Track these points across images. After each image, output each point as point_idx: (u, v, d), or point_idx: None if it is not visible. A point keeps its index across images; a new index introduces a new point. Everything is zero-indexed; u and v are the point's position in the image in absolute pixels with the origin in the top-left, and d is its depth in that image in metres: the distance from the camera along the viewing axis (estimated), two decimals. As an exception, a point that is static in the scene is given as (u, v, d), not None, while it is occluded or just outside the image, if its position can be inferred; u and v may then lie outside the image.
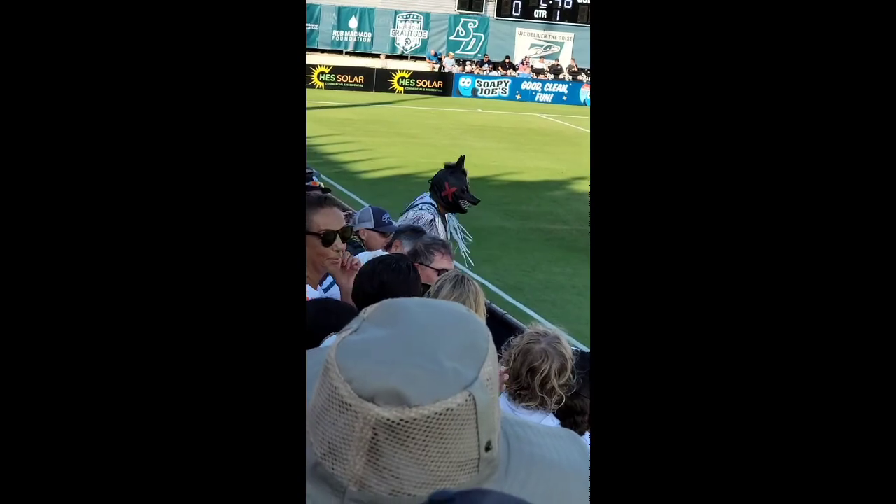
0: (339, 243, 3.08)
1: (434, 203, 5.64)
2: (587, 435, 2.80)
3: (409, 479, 0.88)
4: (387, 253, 4.03)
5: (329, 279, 3.65)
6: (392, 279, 2.47)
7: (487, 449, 0.90)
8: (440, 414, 0.87)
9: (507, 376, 2.76)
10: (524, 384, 2.81)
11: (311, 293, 3.03)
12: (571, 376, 2.85)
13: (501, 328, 4.29)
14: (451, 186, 5.62)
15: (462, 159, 5.83)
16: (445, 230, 5.63)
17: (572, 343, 7.33)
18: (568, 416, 2.87)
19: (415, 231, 4.60)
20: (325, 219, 3.08)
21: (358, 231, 4.93)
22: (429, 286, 3.16)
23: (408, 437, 0.87)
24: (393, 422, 0.87)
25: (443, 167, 5.77)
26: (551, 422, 2.81)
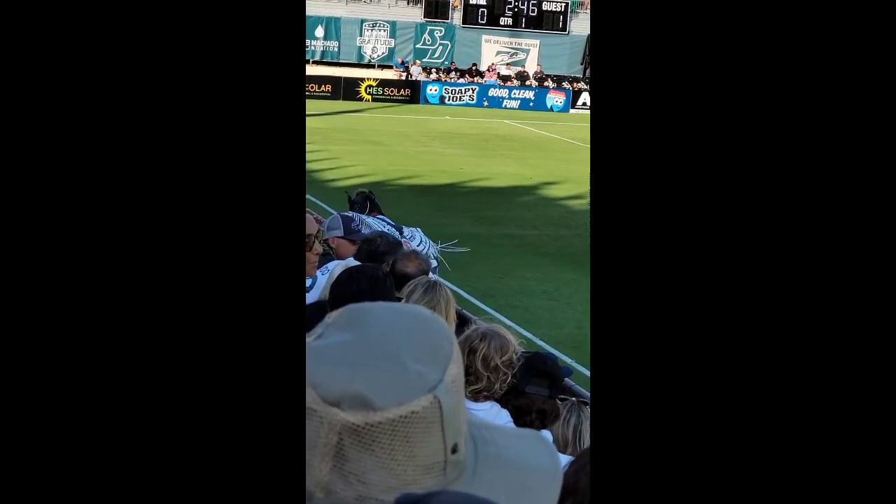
0: (317, 247, 3.10)
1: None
2: (546, 432, 2.85)
3: (375, 483, 0.87)
4: (358, 263, 4.04)
5: (308, 282, 3.65)
6: (368, 286, 2.48)
7: (454, 451, 0.90)
8: (405, 417, 0.86)
9: None
10: (468, 369, 2.85)
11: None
12: (514, 357, 2.90)
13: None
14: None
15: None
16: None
17: (541, 347, 7.31)
18: (519, 417, 2.91)
19: (392, 246, 4.63)
20: None
21: (328, 239, 4.92)
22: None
23: (374, 441, 0.87)
24: (358, 426, 0.86)
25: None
26: (506, 418, 2.86)
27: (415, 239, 5.74)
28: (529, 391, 2.91)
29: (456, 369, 0.92)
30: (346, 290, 2.52)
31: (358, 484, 0.88)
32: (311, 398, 0.88)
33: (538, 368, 2.95)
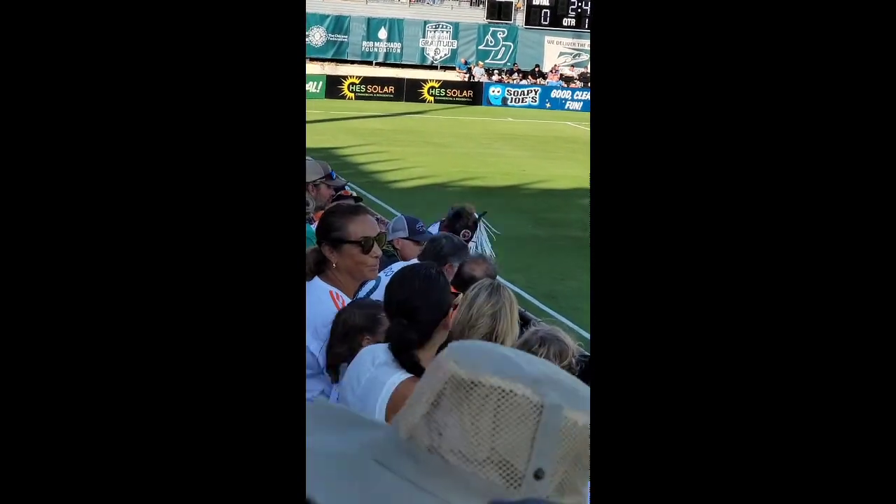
0: (376, 250, 3.11)
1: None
2: None
3: (448, 439, 0.90)
4: (418, 262, 4.07)
5: (366, 288, 3.67)
6: (422, 286, 2.49)
7: (537, 476, 0.90)
8: (504, 392, 0.90)
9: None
10: None
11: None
12: (573, 362, 2.90)
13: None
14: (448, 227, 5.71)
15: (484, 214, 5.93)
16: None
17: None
18: None
19: (459, 248, 4.64)
20: (361, 226, 3.11)
21: (392, 241, 4.95)
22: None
23: (467, 398, 0.90)
24: (462, 380, 0.91)
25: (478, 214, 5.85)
26: None
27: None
28: None
29: (576, 425, 0.92)
30: (398, 291, 2.53)
31: (435, 434, 0.91)
32: (443, 357, 0.95)
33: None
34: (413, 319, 2.43)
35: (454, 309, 2.57)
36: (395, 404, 2.33)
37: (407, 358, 2.43)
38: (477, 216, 5.75)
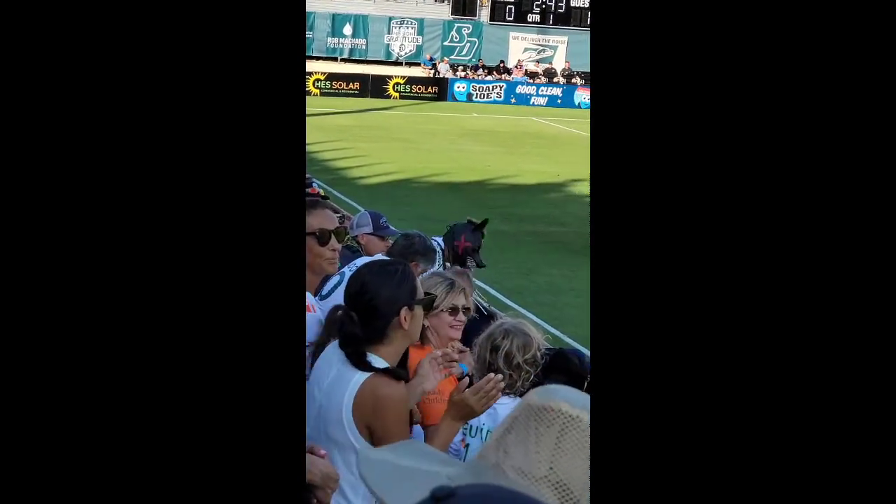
0: (334, 243, 3.08)
1: (442, 248, 5.61)
2: None
3: (512, 457, 0.94)
4: (386, 258, 4.05)
5: (330, 284, 3.65)
6: (374, 280, 2.44)
7: None
8: (571, 417, 0.95)
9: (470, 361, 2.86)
10: (490, 366, 2.88)
11: (309, 300, 3.03)
12: (539, 355, 2.92)
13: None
14: (466, 241, 5.60)
15: (485, 222, 5.82)
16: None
17: (570, 344, 7.24)
18: None
19: (428, 249, 4.60)
20: (318, 219, 3.08)
21: (357, 236, 4.94)
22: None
23: (536, 419, 0.95)
24: (535, 405, 0.96)
25: (466, 220, 5.76)
26: None
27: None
28: None
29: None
30: (352, 284, 2.48)
31: (501, 452, 0.96)
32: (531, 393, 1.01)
33: (560, 367, 2.97)
34: (362, 314, 2.39)
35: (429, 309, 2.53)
36: (361, 402, 2.31)
37: (352, 353, 2.38)
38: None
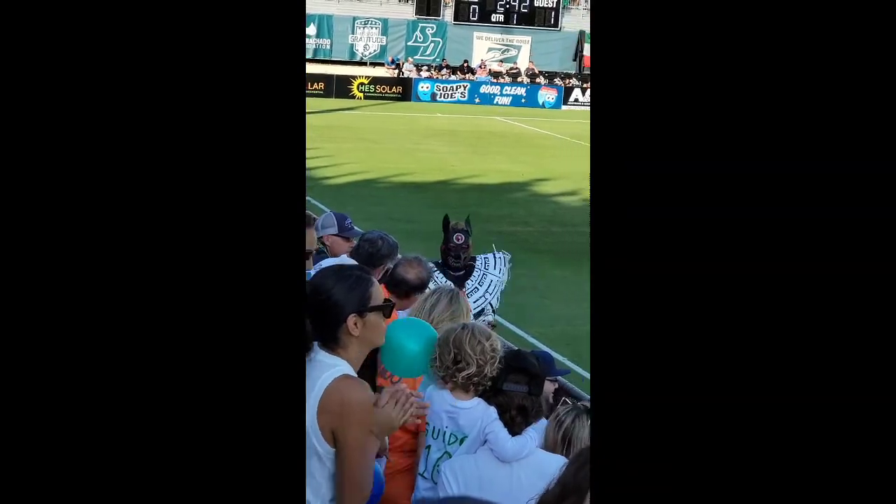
0: (309, 263, 3.06)
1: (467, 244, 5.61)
2: (528, 432, 2.90)
3: None
4: (352, 261, 4.06)
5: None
6: (326, 284, 2.43)
7: None
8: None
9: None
10: (457, 357, 2.93)
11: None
12: (498, 344, 2.98)
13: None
14: (442, 243, 5.62)
15: (467, 220, 5.81)
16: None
17: (534, 344, 7.23)
18: (500, 416, 2.96)
19: (392, 248, 4.61)
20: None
21: (321, 237, 4.94)
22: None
23: None
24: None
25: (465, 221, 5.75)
26: (493, 415, 2.92)
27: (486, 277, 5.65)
28: (508, 389, 2.96)
29: None
30: (308, 286, 2.47)
31: None
32: None
33: (516, 366, 3.01)
34: (314, 316, 2.39)
35: (389, 312, 2.52)
36: (327, 406, 2.29)
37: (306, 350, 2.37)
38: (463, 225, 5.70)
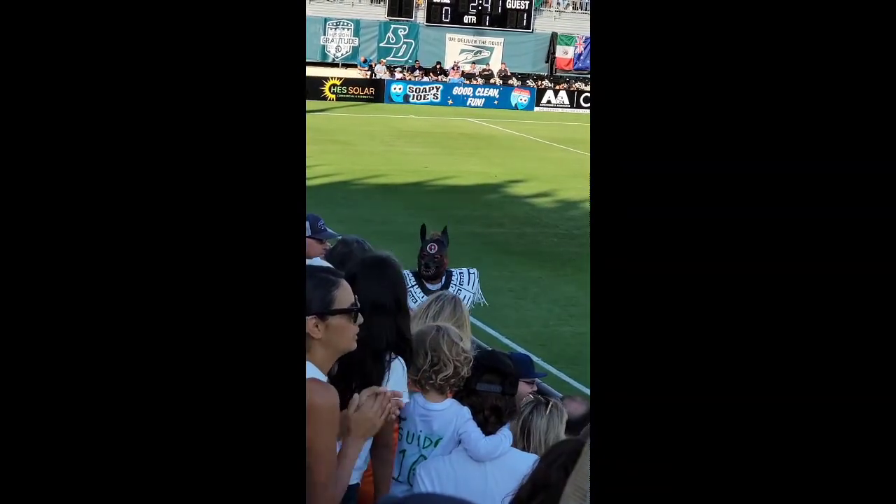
0: None
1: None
2: (503, 431, 2.90)
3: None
4: (325, 263, 4.03)
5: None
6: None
7: None
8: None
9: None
10: (434, 360, 2.93)
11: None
12: (470, 345, 2.99)
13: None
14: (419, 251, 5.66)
15: (444, 230, 5.84)
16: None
17: (508, 346, 7.25)
18: (474, 416, 2.96)
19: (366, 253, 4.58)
20: None
21: (294, 240, 4.90)
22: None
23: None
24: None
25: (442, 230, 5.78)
26: (467, 415, 2.91)
27: (462, 283, 5.66)
28: (481, 389, 2.97)
29: None
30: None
31: None
32: None
33: (490, 366, 3.01)
34: None
35: (350, 317, 2.46)
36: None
37: None
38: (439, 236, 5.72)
